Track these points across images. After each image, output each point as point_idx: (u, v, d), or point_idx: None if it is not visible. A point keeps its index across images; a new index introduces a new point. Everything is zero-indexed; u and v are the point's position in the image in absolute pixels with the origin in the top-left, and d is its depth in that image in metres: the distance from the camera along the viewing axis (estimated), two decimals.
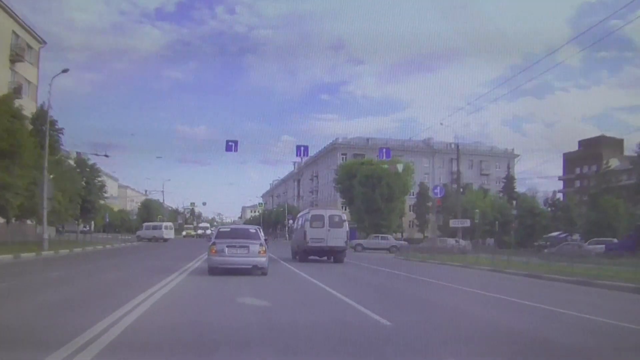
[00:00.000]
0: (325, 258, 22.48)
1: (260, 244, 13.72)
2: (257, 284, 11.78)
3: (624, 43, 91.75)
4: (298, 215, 26.39)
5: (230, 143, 24.78)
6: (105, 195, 45.95)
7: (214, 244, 13.60)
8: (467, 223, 31.59)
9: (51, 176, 30.51)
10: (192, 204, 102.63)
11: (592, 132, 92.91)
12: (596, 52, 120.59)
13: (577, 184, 77.65)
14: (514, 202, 51.83)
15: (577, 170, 79.39)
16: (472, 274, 18.33)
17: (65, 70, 25.85)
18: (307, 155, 27.20)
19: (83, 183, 38.67)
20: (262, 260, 13.55)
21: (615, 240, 34.06)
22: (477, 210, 38.99)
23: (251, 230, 15.39)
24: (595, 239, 37.24)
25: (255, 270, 13.65)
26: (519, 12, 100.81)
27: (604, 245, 32.09)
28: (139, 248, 35.65)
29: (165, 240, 48.64)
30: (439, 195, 30.45)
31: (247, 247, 13.47)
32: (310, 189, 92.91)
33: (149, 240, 47.96)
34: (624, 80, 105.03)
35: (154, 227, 51.44)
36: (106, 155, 36.89)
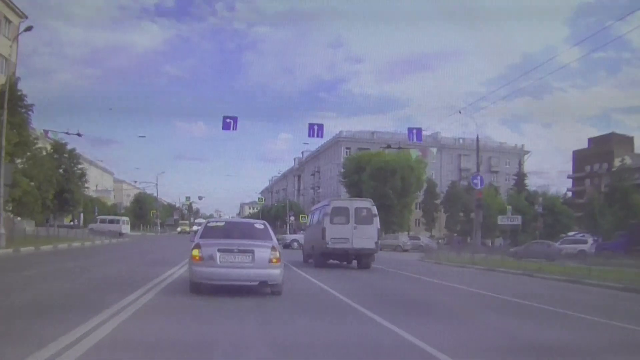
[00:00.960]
0: (345, 262, 18.03)
1: (272, 248, 8.69)
2: (268, 320, 7.00)
3: (622, 44, 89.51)
4: (313, 208, 21.16)
5: (227, 120, 20.20)
6: (87, 185, 41.21)
7: (197, 246, 8.58)
8: (517, 220, 27.11)
9: (18, 160, 26.36)
10: (188, 198, 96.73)
11: (591, 132, 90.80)
12: (594, 53, 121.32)
13: (588, 182, 74.82)
14: (540, 199, 47.57)
15: (588, 168, 76.81)
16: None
17: (29, 28, 21.34)
18: (322, 136, 22.20)
19: (60, 171, 34.13)
20: (275, 272, 8.60)
21: (596, 239, 33.56)
22: (509, 207, 34.77)
23: (257, 226, 10.02)
24: (567, 238, 37.23)
25: (263, 288, 8.88)
26: (519, 12, 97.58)
27: (576, 245, 31.45)
28: (121, 245, 31.26)
29: (122, 234, 43.90)
30: (479, 187, 25.70)
31: (251, 251, 8.48)
32: (311, 185, 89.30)
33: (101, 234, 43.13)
34: (622, 81, 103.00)
35: (110, 221, 46.27)
36: (79, 135, 32.62)
